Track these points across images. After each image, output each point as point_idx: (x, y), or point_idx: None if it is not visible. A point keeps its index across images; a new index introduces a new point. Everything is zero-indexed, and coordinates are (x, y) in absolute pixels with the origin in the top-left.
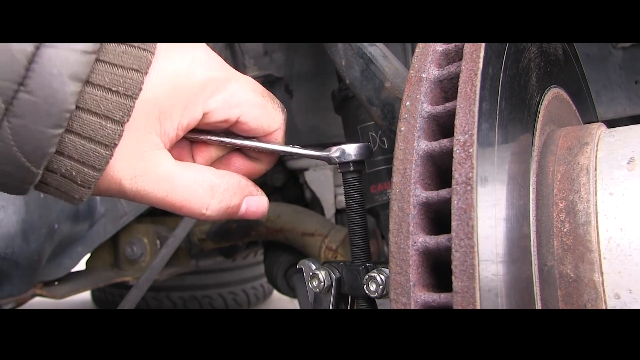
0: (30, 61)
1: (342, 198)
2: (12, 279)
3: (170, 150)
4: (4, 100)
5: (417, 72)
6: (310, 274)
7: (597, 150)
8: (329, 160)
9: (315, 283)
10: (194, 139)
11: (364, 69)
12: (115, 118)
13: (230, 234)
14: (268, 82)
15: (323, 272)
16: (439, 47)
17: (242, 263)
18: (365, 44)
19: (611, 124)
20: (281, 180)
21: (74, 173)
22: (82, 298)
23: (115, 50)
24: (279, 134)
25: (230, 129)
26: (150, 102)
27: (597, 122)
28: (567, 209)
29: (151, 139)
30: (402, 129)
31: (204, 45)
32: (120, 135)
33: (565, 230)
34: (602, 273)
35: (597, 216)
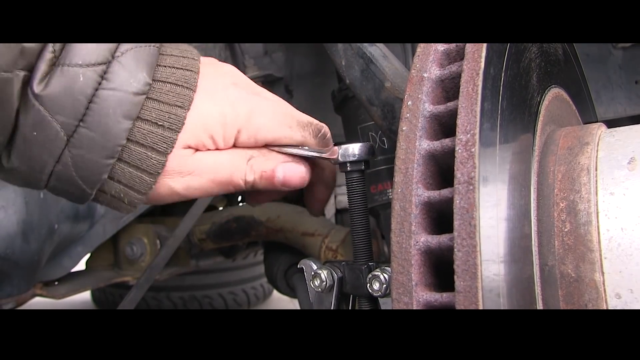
0: (90, 101)
1: (342, 198)
2: (12, 279)
3: None
4: (65, 134)
5: (419, 72)
6: (312, 273)
7: (597, 150)
8: (331, 160)
9: (317, 282)
10: None
11: (364, 69)
12: (160, 150)
13: (230, 234)
14: (268, 82)
15: (325, 272)
16: (441, 46)
17: (242, 263)
18: (365, 44)
19: (611, 124)
20: None
21: (122, 195)
22: (82, 298)
23: (162, 89)
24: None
25: None
26: (190, 132)
27: (597, 122)
28: (568, 208)
29: (188, 151)
30: (403, 128)
31: (238, 80)
32: (163, 165)
33: (566, 230)
34: (603, 273)
35: (598, 216)
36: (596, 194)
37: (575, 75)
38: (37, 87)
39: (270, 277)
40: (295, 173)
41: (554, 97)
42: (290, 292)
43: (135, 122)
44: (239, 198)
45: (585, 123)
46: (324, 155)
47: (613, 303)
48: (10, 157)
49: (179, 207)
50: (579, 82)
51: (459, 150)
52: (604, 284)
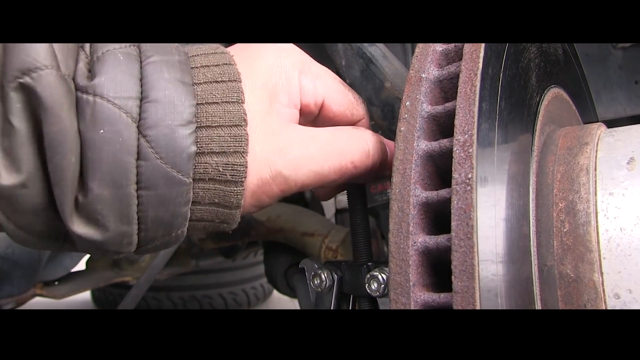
0: (142, 67)
1: (342, 198)
2: (12, 279)
3: None
4: (134, 119)
5: (417, 72)
6: (312, 273)
7: (597, 150)
8: None
9: (317, 282)
10: None
11: (364, 69)
12: (232, 99)
13: (230, 233)
14: None
15: (325, 272)
16: (439, 47)
17: (242, 263)
18: (365, 44)
19: (611, 124)
20: None
21: (221, 169)
22: (82, 298)
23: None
24: (364, 124)
25: (320, 119)
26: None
27: (597, 122)
28: (567, 209)
29: (278, 115)
30: (401, 129)
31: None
32: (244, 114)
33: (565, 230)
34: (602, 273)
35: (597, 216)
36: (595, 194)
37: (575, 75)
38: (82, 80)
39: (270, 277)
40: (392, 149)
41: (553, 97)
42: (290, 292)
43: (194, 85)
44: None
45: (585, 123)
46: None
47: (612, 303)
48: (88, 188)
49: None
50: (579, 82)
51: (457, 151)
52: (602, 284)
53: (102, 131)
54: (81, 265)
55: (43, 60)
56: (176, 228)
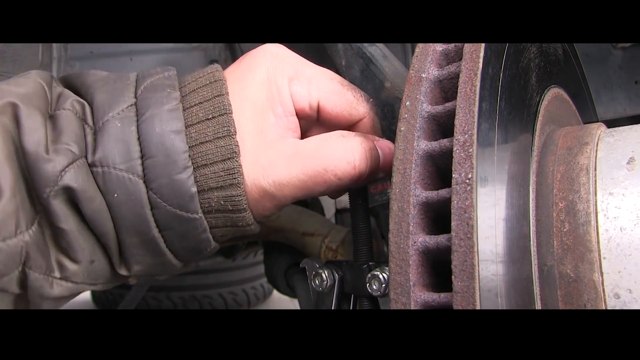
0: (139, 137)
1: (342, 198)
2: None
3: None
4: (140, 176)
5: (417, 72)
6: (313, 272)
7: (597, 150)
8: None
9: (317, 282)
10: None
11: (364, 69)
12: (222, 134)
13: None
14: None
15: (326, 271)
16: (439, 47)
17: (242, 263)
18: (365, 44)
19: (611, 124)
20: None
21: (222, 202)
22: (82, 298)
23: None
24: (367, 124)
25: (320, 121)
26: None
27: (597, 122)
28: (567, 208)
29: (268, 131)
30: (402, 128)
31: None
32: (236, 146)
33: (565, 230)
34: (601, 273)
35: (597, 216)
36: (595, 194)
37: (575, 75)
38: (90, 157)
39: (270, 277)
40: (390, 148)
41: (553, 97)
42: (290, 292)
43: (186, 129)
44: None
45: (585, 123)
46: None
47: (612, 303)
48: (128, 261)
49: None
50: (579, 81)
51: (457, 151)
52: (602, 284)
53: (115, 195)
54: None
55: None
56: (204, 248)
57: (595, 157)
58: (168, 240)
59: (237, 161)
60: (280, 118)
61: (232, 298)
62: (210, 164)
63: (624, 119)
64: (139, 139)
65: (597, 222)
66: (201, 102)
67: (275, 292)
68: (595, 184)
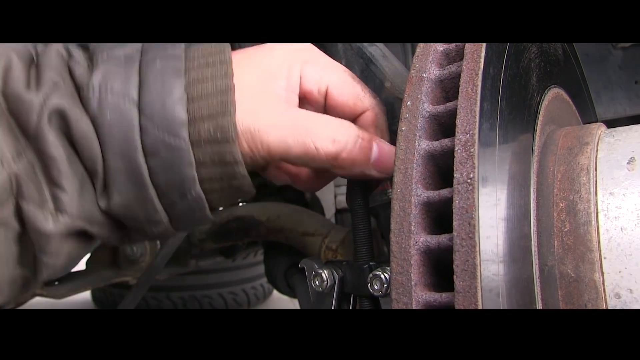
0: (140, 70)
1: (342, 198)
2: None
3: None
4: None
5: (418, 72)
6: (313, 273)
7: (597, 150)
8: None
9: (317, 282)
10: None
11: (364, 69)
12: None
13: (230, 234)
14: None
15: (326, 271)
16: (440, 47)
17: (242, 263)
18: (365, 44)
19: (611, 124)
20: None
21: (212, 130)
22: (82, 298)
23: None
24: (369, 117)
25: (326, 108)
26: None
27: (597, 122)
28: (567, 208)
29: (268, 91)
30: (403, 128)
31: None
32: (231, 73)
33: (565, 230)
34: (602, 273)
35: (597, 216)
36: (596, 194)
37: (575, 75)
38: (85, 82)
39: (270, 277)
40: (391, 155)
41: (553, 97)
42: (290, 292)
43: (186, 72)
44: None
45: (585, 123)
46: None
47: (612, 303)
48: (110, 189)
49: None
50: (579, 82)
51: (458, 151)
52: (603, 284)
53: (108, 118)
54: (81, 265)
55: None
56: (188, 189)
57: (596, 157)
58: (152, 170)
59: (232, 96)
60: (283, 90)
61: (232, 298)
62: (205, 96)
63: (624, 119)
64: (139, 72)
65: (597, 222)
66: (204, 56)
67: (275, 292)
68: (596, 184)
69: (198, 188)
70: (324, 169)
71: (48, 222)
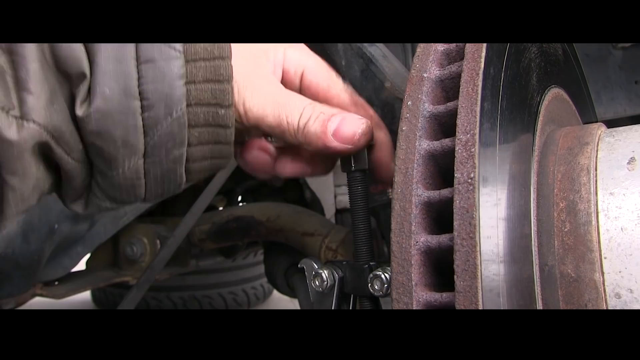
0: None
1: (341, 198)
2: (12, 279)
3: (247, 158)
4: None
5: (419, 72)
6: (313, 273)
7: (597, 150)
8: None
9: (317, 282)
10: None
11: (364, 69)
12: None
13: (230, 234)
14: None
15: (326, 271)
16: (440, 46)
17: (242, 263)
18: (365, 44)
19: (611, 124)
20: (281, 180)
21: (209, 94)
22: (82, 298)
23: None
24: (342, 98)
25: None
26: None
27: (597, 122)
28: (567, 208)
29: (258, 70)
30: (403, 128)
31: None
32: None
33: (566, 230)
34: (602, 273)
35: (597, 216)
36: (596, 194)
37: (575, 76)
38: None
39: (270, 277)
40: (350, 126)
41: (553, 97)
42: (290, 292)
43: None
44: (239, 198)
45: (585, 123)
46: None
47: (613, 303)
48: (93, 90)
49: (179, 207)
50: (579, 82)
51: (459, 150)
52: (603, 284)
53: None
54: (81, 265)
55: None
56: (176, 105)
57: (596, 157)
58: (142, 77)
59: (229, 62)
60: (269, 68)
61: (232, 298)
62: (202, 60)
63: (624, 119)
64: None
65: (598, 222)
66: (202, 49)
67: (275, 292)
68: (596, 183)
69: (184, 106)
70: (293, 146)
71: (12, 129)
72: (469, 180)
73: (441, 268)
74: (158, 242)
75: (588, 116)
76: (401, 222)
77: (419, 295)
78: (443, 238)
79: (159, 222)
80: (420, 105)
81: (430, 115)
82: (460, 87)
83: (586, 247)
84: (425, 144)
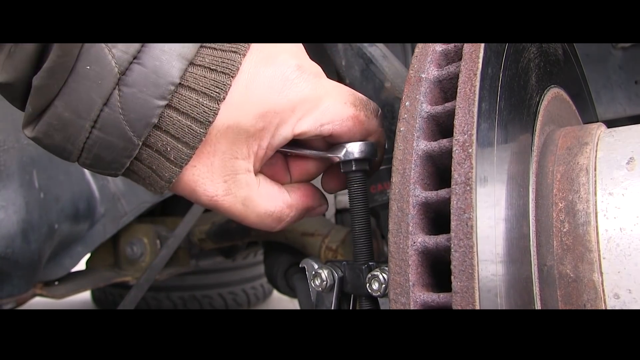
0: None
1: (341, 198)
2: (12, 279)
3: (261, 167)
4: (119, 70)
5: (417, 72)
6: (313, 273)
7: (596, 150)
8: (332, 159)
9: (317, 282)
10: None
11: (364, 69)
12: (212, 95)
13: (230, 234)
14: None
15: (326, 271)
16: (439, 47)
17: (242, 263)
18: (365, 44)
19: (611, 124)
20: None
21: (168, 149)
22: (82, 298)
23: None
24: (375, 138)
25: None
26: (237, 128)
27: (597, 122)
28: (566, 208)
29: (237, 164)
30: (401, 129)
31: (297, 51)
32: (215, 113)
33: (564, 230)
34: (601, 273)
35: (596, 216)
36: (595, 194)
37: (575, 75)
38: None
39: (270, 277)
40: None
41: (553, 97)
42: (290, 292)
43: (189, 67)
44: None
45: (585, 123)
46: (329, 154)
47: (611, 303)
48: (52, 105)
49: (179, 207)
50: (579, 82)
51: (456, 151)
52: (602, 284)
53: (88, 67)
54: (81, 265)
55: None
56: (112, 170)
57: (595, 157)
58: (91, 139)
59: (219, 102)
60: (261, 151)
61: (232, 298)
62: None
63: (624, 119)
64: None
65: (596, 222)
66: (216, 49)
67: (275, 292)
68: (595, 184)
69: (119, 173)
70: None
71: None
72: (466, 181)
73: (439, 269)
74: (158, 242)
75: (589, 116)
76: (399, 223)
77: (416, 295)
78: (440, 239)
79: (159, 222)
80: (418, 105)
81: (428, 116)
82: (458, 88)
83: (585, 248)
84: (423, 145)
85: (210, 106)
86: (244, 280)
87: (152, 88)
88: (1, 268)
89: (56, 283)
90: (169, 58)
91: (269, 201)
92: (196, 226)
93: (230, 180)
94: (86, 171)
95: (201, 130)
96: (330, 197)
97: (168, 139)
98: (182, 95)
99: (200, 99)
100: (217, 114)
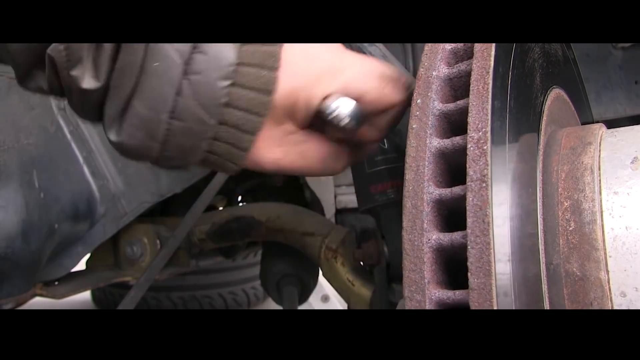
0: None
1: (342, 198)
2: (12, 279)
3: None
4: (184, 61)
5: (427, 70)
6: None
7: (600, 150)
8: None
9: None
10: None
11: None
12: (267, 65)
13: (230, 234)
14: None
15: None
16: (448, 45)
17: (242, 263)
18: (365, 44)
19: (611, 124)
20: (281, 180)
21: (243, 122)
22: (82, 298)
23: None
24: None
25: None
26: (290, 94)
27: (594, 122)
28: (572, 207)
29: (288, 127)
30: (414, 126)
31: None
32: (274, 82)
33: (570, 228)
34: (608, 271)
35: (602, 215)
36: (600, 193)
37: (573, 76)
38: None
39: (264, 285)
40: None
41: (555, 97)
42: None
43: (241, 47)
44: (239, 198)
45: (582, 124)
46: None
47: (618, 301)
48: (130, 105)
49: (179, 207)
50: (577, 82)
51: (471, 148)
52: (608, 282)
53: (156, 64)
54: (81, 265)
55: None
56: (191, 158)
57: (599, 156)
58: (171, 129)
59: (270, 96)
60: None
61: (232, 298)
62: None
63: (624, 119)
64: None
65: (602, 220)
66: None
67: None
68: (600, 183)
69: (200, 158)
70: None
71: None
72: (482, 178)
73: (451, 267)
74: (158, 242)
75: (585, 117)
76: (413, 220)
77: (431, 292)
78: (456, 236)
79: (159, 222)
80: (430, 103)
81: (440, 114)
82: (471, 85)
83: (591, 246)
84: (435, 142)
85: (269, 76)
86: (244, 280)
87: (216, 72)
88: (1, 268)
89: (56, 283)
90: (223, 45)
91: (320, 147)
92: (196, 226)
93: (285, 142)
94: (86, 171)
95: (267, 98)
96: (330, 197)
97: (240, 113)
98: (243, 72)
99: (260, 70)
100: (275, 82)
